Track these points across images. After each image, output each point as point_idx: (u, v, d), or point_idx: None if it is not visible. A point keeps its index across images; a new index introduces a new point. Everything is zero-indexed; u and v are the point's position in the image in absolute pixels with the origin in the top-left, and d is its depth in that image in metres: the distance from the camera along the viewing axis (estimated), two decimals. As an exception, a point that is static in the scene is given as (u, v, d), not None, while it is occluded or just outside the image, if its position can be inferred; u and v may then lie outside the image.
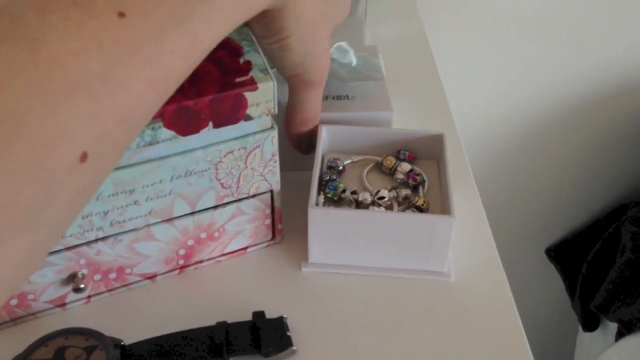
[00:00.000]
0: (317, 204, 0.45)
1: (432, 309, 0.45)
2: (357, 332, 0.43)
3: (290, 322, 0.42)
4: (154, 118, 0.38)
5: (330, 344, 0.42)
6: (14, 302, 0.41)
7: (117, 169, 0.39)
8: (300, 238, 0.48)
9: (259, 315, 0.42)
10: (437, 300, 0.45)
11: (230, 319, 0.42)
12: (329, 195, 0.47)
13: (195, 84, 0.38)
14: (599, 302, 1.00)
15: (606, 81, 1.06)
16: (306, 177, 0.46)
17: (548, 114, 1.10)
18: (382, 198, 0.46)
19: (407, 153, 0.50)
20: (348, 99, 0.54)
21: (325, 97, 0.54)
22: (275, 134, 0.43)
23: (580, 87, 1.07)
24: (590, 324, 1.11)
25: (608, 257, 1.06)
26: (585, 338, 1.18)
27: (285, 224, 0.49)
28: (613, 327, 1.04)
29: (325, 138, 0.50)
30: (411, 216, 0.44)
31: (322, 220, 0.44)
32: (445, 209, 0.45)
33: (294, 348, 0.41)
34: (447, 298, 0.45)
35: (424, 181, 0.48)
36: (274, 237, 0.49)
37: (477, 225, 0.51)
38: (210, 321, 0.42)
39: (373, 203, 0.46)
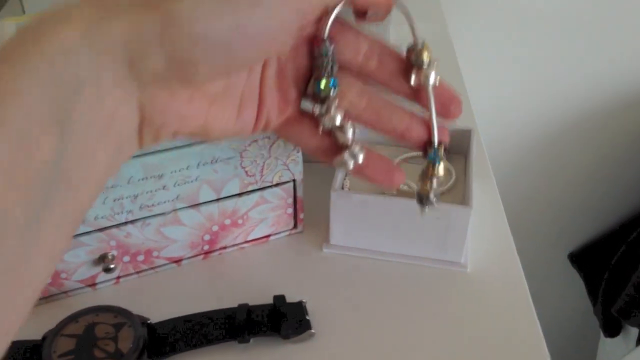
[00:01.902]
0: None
1: (448, 298, 0.46)
2: (374, 317, 0.44)
3: (309, 307, 0.44)
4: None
5: (348, 328, 0.44)
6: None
7: (146, 154, 0.40)
8: (321, 228, 0.50)
9: (279, 298, 0.43)
10: (453, 290, 0.46)
11: (252, 302, 0.43)
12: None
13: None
14: (620, 306, 1.00)
15: (632, 82, 1.06)
16: (329, 170, 0.48)
17: (571, 115, 1.10)
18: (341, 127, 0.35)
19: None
20: (371, 94, 0.55)
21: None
22: (298, 124, 0.44)
23: (604, 89, 1.07)
24: (611, 329, 1.11)
25: (631, 262, 1.05)
26: (606, 344, 1.17)
27: (306, 214, 0.50)
28: (634, 332, 1.04)
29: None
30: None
31: (343, 203, 0.45)
32: (464, 200, 0.46)
33: (313, 331, 0.42)
34: (463, 288, 0.46)
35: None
36: (295, 226, 0.50)
37: (495, 219, 0.52)
38: (232, 304, 0.43)
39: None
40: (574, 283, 1.27)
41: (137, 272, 0.47)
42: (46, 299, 0.44)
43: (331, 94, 0.33)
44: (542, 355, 0.42)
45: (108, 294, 0.46)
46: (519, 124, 1.11)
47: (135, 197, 0.42)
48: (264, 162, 0.45)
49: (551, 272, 1.28)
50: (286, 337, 0.42)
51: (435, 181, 0.35)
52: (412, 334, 0.43)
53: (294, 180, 0.47)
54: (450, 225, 0.45)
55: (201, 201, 0.45)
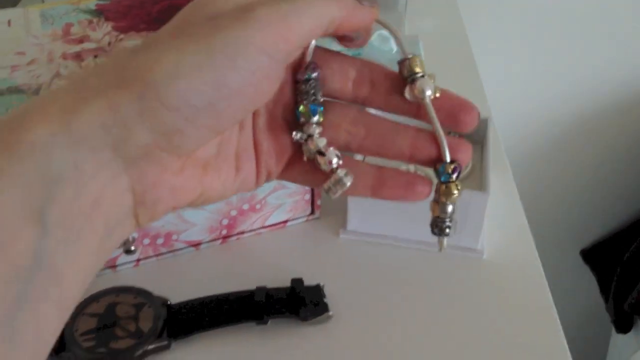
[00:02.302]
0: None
1: (464, 284, 0.46)
2: (390, 302, 0.45)
3: (327, 290, 0.44)
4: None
5: (364, 312, 0.44)
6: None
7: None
8: (338, 214, 0.50)
9: (297, 281, 0.44)
10: (469, 276, 0.47)
11: (270, 285, 0.44)
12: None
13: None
14: (632, 302, 0.99)
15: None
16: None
17: (585, 111, 1.10)
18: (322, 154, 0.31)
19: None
20: (387, 83, 0.56)
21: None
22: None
23: (623, 81, 1.07)
24: (623, 325, 1.11)
25: (643, 258, 1.05)
26: (618, 340, 1.17)
27: (323, 201, 0.51)
28: (647, 329, 1.04)
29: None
30: (446, 191, 0.46)
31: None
32: (480, 186, 0.47)
33: (330, 313, 0.43)
34: (479, 275, 0.47)
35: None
36: (312, 212, 0.51)
37: (511, 206, 0.52)
38: (251, 286, 0.44)
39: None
40: (586, 280, 1.27)
41: (157, 255, 0.47)
42: (67, 279, 0.45)
43: (313, 119, 0.30)
44: (558, 339, 0.43)
45: (128, 275, 0.46)
46: (530, 119, 1.11)
47: (156, 179, 0.43)
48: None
49: (563, 270, 1.28)
50: (304, 319, 0.43)
51: (449, 207, 0.30)
52: (428, 319, 0.44)
53: (311, 166, 0.48)
54: (467, 211, 0.45)
55: (220, 185, 0.45)
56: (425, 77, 0.30)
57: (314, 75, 0.30)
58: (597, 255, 1.23)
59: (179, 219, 0.46)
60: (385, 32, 0.60)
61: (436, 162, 0.30)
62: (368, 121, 0.31)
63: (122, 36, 0.42)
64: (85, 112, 0.23)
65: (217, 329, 0.42)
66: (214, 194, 0.29)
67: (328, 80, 0.31)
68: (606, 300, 1.17)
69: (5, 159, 0.22)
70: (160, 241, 0.46)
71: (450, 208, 0.30)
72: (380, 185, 0.31)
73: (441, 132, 0.30)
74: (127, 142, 0.24)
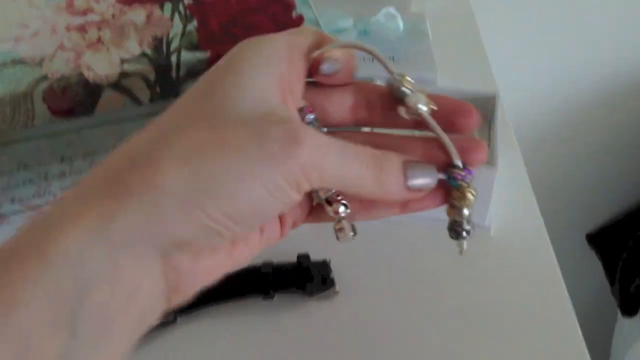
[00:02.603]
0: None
1: (471, 261, 0.46)
2: (397, 278, 0.45)
3: (333, 265, 0.44)
4: (211, 62, 0.40)
5: (370, 288, 0.44)
6: None
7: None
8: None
9: (304, 257, 0.44)
10: (476, 252, 0.46)
11: (277, 260, 0.44)
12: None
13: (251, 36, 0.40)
14: (639, 284, 0.99)
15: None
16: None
17: (592, 92, 1.09)
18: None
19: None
20: (392, 60, 0.55)
21: (372, 59, 0.55)
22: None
23: (630, 65, 1.06)
24: (629, 309, 1.11)
25: (650, 241, 1.05)
26: (623, 324, 1.17)
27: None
28: (653, 312, 1.03)
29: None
30: (454, 166, 0.45)
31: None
32: (489, 161, 0.46)
33: (337, 289, 0.43)
34: (487, 251, 0.46)
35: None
36: (318, 189, 0.50)
37: (518, 184, 0.52)
38: (257, 261, 0.44)
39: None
40: (591, 265, 1.27)
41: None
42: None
43: None
44: (568, 315, 0.42)
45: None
46: (536, 100, 1.10)
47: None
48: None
49: (568, 254, 1.28)
50: (310, 294, 0.43)
51: (465, 211, 0.30)
52: (435, 295, 0.44)
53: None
54: (474, 187, 0.45)
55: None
56: (416, 92, 0.30)
57: (312, 117, 0.30)
58: (603, 240, 1.23)
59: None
60: (392, 10, 0.59)
61: (448, 166, 0.30)
62: (376, 141, 0.31)
63: (126, 8, 0.42)
64: (125, 218, 0.23)
65: (223, 303, 0.42)
66: (243, 261, 0.30)
67: (328, 113, 0.31)
68: (612, 284, 1.17)
69: (38, 265, 0.22)
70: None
71: (466, 212, 0.30)
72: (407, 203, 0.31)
73: (446, 139, 0.29)
74: (167, 239, 0.24)
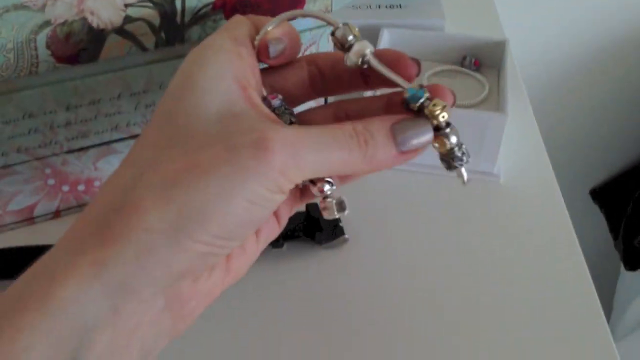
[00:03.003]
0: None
1: (481, 208, 0.46)
2: (406, 226, 0.44)
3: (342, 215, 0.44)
4: (216, 8, 0.39)
5: (381, 235, 0.44)
6: (81, 187, 0.44)
7: (178, 58, 0.40)
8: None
9: (313, 205, 0.43)
10: (486, 199, 0.46)
11: (285, 210, 0.44)
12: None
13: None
14: (643, 237, 0.99)
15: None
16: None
17: (595, 45, 1.07)
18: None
19: (473, 59, 0.50)
20: (400, 7, 0.54)
21: (378, 6, 0.54)
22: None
23: (633, 19, 1.04)
24: (632, 262, 1.11)
25: (655, 194, 1.05)
26: (626, 278, 1.18)
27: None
28: (656, 265, 1.04)
29: (386, 42, 0.50)
30: (465, 112, 0.45)
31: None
32: (498, 108, 0.46)
33: (346, 237, 0.43)
34: (496, 199, 0.46)
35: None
36: (326, 139, 0.50)
37: (527, 132, 0.51)
38: (265, 211, 0.43)
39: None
40: (594, 220, 1.27)
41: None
42: (81, 207, 0.45)
43: None
44: (578, 261, 0.42)
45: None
46: (540, 54, 1.09)
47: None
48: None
49: (571, 210, 1.28)
50: (320, 243, 0.42)
51: (452, 140, 0.28)
52: (445, 243, 0.43)
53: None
54: (483, 134, 0.45)
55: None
56: (361, 40, 0.30)
57: (278, 103, 0.30)
58: (607, 195, 1.23)
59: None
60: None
61: (406, 101, 0.28)
62: (347, 109, 0.32)
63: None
64: (117, 263, 0.24)
65: (232, 252, 0.42)
66: (243, 270, 0.30)
67: (290, 92, 0.32)
68: (615, 239, 1.17)
69: (36, 314, 0.23)
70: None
71: (453, 140, 0.28)
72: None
73: (391, 73, 0.29)
74: (163, 274, 0.25)
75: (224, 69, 0.27)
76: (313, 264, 0.42)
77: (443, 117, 0.27)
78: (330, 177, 0.28)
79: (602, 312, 0.39)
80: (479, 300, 0.40)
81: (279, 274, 0.42)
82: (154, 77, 0.40)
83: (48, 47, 0.36)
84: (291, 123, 0.30)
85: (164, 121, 0.27)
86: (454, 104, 0.30)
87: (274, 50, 0.30)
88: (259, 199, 0.25)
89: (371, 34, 0.50)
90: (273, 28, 0.30)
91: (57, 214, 0.44)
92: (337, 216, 0.29)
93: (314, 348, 0.37)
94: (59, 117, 0.39)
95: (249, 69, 0.29)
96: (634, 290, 1.13)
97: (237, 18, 0.31)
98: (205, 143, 0.25)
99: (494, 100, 0.49)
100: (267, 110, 0.28)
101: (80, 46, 0.36)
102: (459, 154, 0.29)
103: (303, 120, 0.32)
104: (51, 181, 0.42)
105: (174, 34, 0.38)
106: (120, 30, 0.37)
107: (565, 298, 0.40)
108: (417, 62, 0.31)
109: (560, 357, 0.37)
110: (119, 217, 0.24)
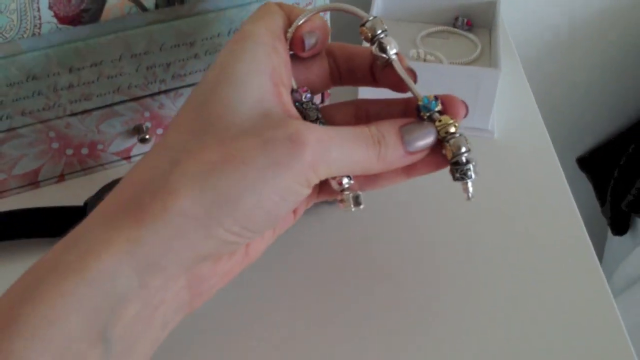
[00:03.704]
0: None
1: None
2: (403, 183, 0.45)
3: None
4: (213, -32, 0.40)
5: (380, 192, 0.45)
6: (84, 151, 0.44)
7: (178, 19, 0.40)
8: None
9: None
10: (480, 155, 0.47)
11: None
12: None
13: None
14: (630, 201, 1.01)
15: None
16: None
17: (583, 10, 1.09)
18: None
19: (465, 20, 0.51)
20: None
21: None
22: (326, -9, 0.44)
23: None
24: (619, 227, 1.13)
25: (640, 159, 1.07)
26: (614, 243, 1.20)
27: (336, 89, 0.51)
28: (642, 228, 1.06)
29: (379, 3, 0.51)
30: (459, 68, 0.46)
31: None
32: (491, 64, 0.47)
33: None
34: (491, 154, 0.47)
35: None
36: (322, 100, 0.51)
37: (519, 90, 0.52)
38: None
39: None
40: (581, 188, 1.29)
41: (170, 146, 0.47)
42: (84, 171, 0.45)
43: None
44: (573, 214, 0.43)
45: (143, 166, 0.47)
46: (523, 22, 1.09)
47: (168, 65, 0.42)
48: (292, 31, 0.45)
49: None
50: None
51: (462, 145, 0.30)
52: (438, 198, 0.44)
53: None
54: (477, 90, 0.46)
55: (231, 71, 0.45)
56: (388, 36, 0.31)
57: (309, 96, 0.31)
58: (594, 162, 1.25)
59: (191, 107, 0.45)
60: None
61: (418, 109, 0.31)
62: (368, 109, 0.34)
63: None
64: (150, 242, 0.25)
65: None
66: (258, 254, 0.32)
67: (313, 84, 0.33)
68: (602, 205, 1.19)
69: (73, 283, 0.24)
70: (173, 131, 0.46)
71: (463, 147, 0.30)
72: (411, 169, 0.33)
73: (410, 81, 0.31)
74: (190, 256, 0.26)
75: (261, 64, 0.29)
76: (318, 221, 0.43)
77: (446, 132, 0.30)
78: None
79: (598, 264, 0.40)
80: (472, 253, 0.41)
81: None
82: (155, 39, 0.40)
83: (50, 7, 0.36)
84: (317, 119, 0.31)
85: (200, 109, 0.28)
86: (466, 115, 0.32)
87: (308, 43, 0.31)
88: (289, 194, 0.27)
89: (364, -3, 0.51)
90: (308, 20, 0.31)
91: (61, 178, 0.45)
92: (353, 209, 0.31)
93: (320, 301, 0.38)
94: (62, 79, 0.39)
95: (284, 64, 0.30)
96: (621, 254, 1.16)
97: (271, 7, 0.31)
98: (240, 134, 0.27)
99: (487, 59, 0.50)
100: (292, 109, 0.30)
101: (82, 7, 0.37)
102: (463, 167, 0.30)
103: (325, 115, 0.34)
104: (55, 144, 0.43)
105: (173, -6, 0.39)
106: (121, -10, 0.37)
107: (561, 253, 0.41)
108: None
109: (559, 313, 0.37)
110: (155, 200, 0.26)
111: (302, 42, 0.31)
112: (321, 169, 0.27)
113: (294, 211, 0.33)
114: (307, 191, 0.28)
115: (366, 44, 0.32)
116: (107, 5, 0.37)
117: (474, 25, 0.52)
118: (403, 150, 0.29)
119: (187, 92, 0.44)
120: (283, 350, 0.36)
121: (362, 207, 0.30)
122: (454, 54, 0.50)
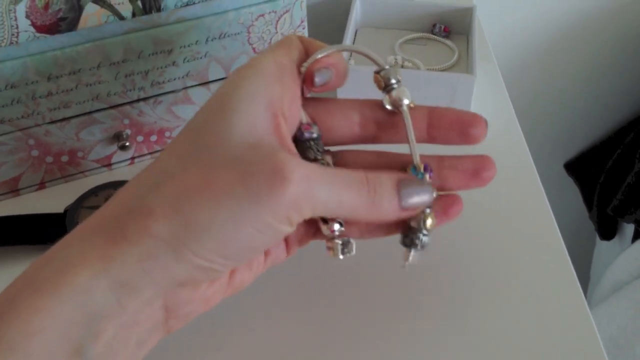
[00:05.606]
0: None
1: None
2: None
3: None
4: (191, -23, 0.40)
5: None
6: (64, 158, 0.44)
7: (155, 27, 0.41)
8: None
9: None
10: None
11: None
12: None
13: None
14: (616, 205, 1.02)
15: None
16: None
17: (565, 18, 1.09)
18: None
19: (443, 27, 0.52)
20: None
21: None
22: (304, -1, 0.45)
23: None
24: (607, 232, 1.14)
25: (627, 163, 1.08)
26: (602, 248, 1.21)
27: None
28: (629, 233, 1.07)
29: (358, 10, 0.52)
30: (435, 74, 0.46)
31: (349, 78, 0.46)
32: (467, 71, 0.47)
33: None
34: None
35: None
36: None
37: (497, 97, 0.53)
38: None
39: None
40: (569, 194, 1.29)
41: (151, 153, 0.48)
42: (65, 178, 0.46)
43: None
44: (549, 222, 0.43)
45: (123, 174, 0.47)
46: (509, 30, 1.10)
47: (146, 73, 0.43)
48: (270, 39, 0.46)
49: (545, 184, 1.30)
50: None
51: (428, 216, 0.30)
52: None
53: (300, 59, 0.48)
54: (454, 95, 0.46)
55: (211, 79, 0.45)
56: (401, 86, 0.31)
57: (310, 135, 0.31)
58: (581, 166, 1.25)
59: (171, 114, 0.46)
60: None
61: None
62: (383, 160, 0.33)
63: None
64: (123, 261, 0.25)
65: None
66: (246, 284, 0.31)
67: (333, 129, 0.32)
68: (589, 209, 1.20)
69: (48, 298, 0.24)
70: (153, 138, 0.47)
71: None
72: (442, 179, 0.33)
73: (412, 138, 0.31)
74: (164, 279, 0.26)
75: (257, 92, 0.28)
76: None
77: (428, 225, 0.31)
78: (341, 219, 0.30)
79: (575, 275, 0.40)
80: (448, 264, 0.40)
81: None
82: (132, 47, 0.41)
83: (27, 16, 0.36)
84: (315, 159, 0.30)
85: (192, 134, 0.28)
86: (459, 211, 0.33)
87: (320, 80, 0.31)
88: (265, 228, 0.26)
89: (343, 4, 0.52)
90: (323, 56, 0.31)
91: (41, 185, 0.45)
92: (340, 257, 0.30)
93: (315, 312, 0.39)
94: (40, 87, 0.40)
95: (289, 97, 0.29)
96: (609, 259, 1.16)
97: (290, 39, 0.31)
98: (224, 163, 0.26)
99: (464, 65, 0.51)
100: (290, 144, 0.29)
101: (59, 15, 0.37)
102: (415, 238, 0.31)
103: (340, 160, 0.33)
104: (35, 152, 0.43)
105: (150, 2, 0.39)
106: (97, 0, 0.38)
107: (538, 262, 0.40)
108: (485, 124, 0.33)
109: (535, 324, 0.37)
110: (130, 219, 0.26)
111: (313, 76, 0.31)
112: (305, 208, 0.26)
113: (287, 247, 0.32)
114: (289, 229, 0.27)
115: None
116: (84, 14, 0.38)
117: (452, 32, 0.53)
118: (398, 203, 0.29)
119: (166, 99, 0.45)
120: (283, 350, 0.36)
121: (353, 253, 0.30)
122: (432, 60, 0.50)
